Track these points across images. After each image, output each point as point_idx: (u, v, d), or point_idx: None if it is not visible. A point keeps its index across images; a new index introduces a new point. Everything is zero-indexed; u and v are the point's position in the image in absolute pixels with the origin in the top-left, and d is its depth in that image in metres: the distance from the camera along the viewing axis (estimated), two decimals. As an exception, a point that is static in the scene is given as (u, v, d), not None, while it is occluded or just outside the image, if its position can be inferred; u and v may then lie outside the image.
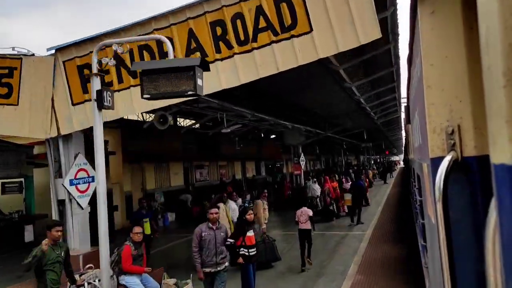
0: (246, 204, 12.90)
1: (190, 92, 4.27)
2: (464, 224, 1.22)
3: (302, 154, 21.93)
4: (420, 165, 2.53)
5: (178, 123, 23.09)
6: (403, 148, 33.03)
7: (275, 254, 10.23)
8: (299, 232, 10.06)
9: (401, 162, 65.13)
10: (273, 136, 29.42)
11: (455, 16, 1.27)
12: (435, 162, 1.30)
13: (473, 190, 1.21)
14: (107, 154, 15.69)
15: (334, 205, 17.20)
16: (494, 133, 0.72)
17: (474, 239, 1.20)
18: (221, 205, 10.93)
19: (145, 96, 4.39)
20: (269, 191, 21.82)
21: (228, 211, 11.55)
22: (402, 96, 18.59)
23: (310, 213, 9.93)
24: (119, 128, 17.56)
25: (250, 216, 7.61)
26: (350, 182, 20.31)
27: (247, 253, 7.31)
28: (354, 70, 12.89)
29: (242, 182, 25.42)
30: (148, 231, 10.53)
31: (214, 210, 6.94)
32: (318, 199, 17.52)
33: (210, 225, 6.72)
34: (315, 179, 19.36)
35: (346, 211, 17.45)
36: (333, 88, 14.19)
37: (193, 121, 23.79)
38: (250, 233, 7.50)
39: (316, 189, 17.79)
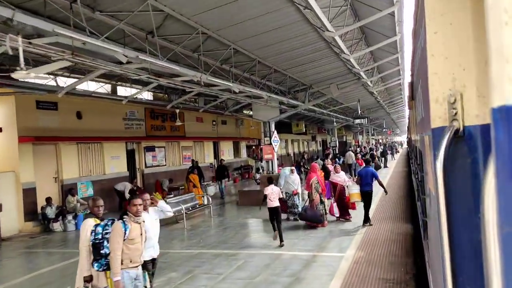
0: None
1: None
2: (464, 194, 1.20)
3: (275, 132, 16.91)
4: (422, 138, 2.55)
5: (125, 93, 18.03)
6: (406, 128, 29.60)
7: None
8: (268, 210, 9.94)
9: (405, 142, 60.37)
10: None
11: None
12: (437, 132, 1.30)
13: (474, 159, 1.17)
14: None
15: (324, 207, 11.62)
16: (494, 76, 0.71)
17: (474, 209, 1.17)
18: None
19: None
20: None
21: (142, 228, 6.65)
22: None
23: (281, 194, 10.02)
24: (14, 95, 12.62)
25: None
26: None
27: None
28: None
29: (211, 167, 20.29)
30: None
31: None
32: (296, 197, 12.64)
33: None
34: (292, 168, 14.10)
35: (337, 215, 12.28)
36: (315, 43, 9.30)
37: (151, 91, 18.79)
38: None
39: (294, 181, 12.84)
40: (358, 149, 31.15)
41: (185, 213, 12.75)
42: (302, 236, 10.52)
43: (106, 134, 16.84)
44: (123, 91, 18.18)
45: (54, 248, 11.18)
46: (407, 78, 17.63)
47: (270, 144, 16.82)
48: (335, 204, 12.06)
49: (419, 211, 5.30)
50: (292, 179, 12.80)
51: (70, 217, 13.63)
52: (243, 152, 31.38)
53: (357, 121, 21.57)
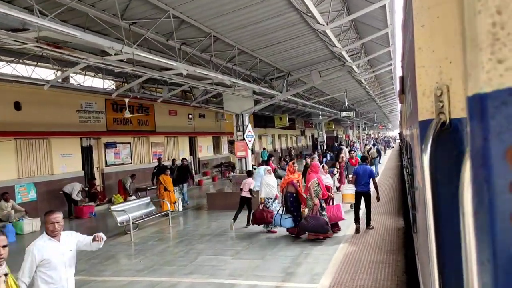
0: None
1: None
2: (450, 186, 1.19)
3: (249, 125, 14.76)
4: (411, 132, 2.55)
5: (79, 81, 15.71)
6: (398, 122, 27.73)
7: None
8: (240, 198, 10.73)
9: (397, 137, 58.80)
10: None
11: None
12: (424, 125, 1.31)
13: (460, 152, 1.17)
14: None
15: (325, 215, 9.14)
16: (469, 64, 0.72)
17: (458, 201, 1.09)
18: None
19: None
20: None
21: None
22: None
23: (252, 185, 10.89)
24: None
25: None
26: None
27: None
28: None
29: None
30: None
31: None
32: (276, 202, 10.47)
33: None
34: (268, 168, 11.90)
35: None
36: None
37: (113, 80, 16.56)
38: None
39: (274, 183, 10.70)
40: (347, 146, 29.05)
41: (133, 223, 10.58)
42: (269, 255, 8.42)
43: (55, 128, 14.61)
44: (77, 79, 15.87)
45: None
46: (398, 69, 15.75)
47: (244, 139, 14.67)
48: (338, 205, 9.95)
49: (409, 205, 5.09)
50: (273, 181, 10.68)
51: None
52: (224, 148, 29.22)
53: (344, 113, 19.42)
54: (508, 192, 0.59)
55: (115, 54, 7.70)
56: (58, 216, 4.11)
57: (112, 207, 10.82)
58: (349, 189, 10.60)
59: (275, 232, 10.14)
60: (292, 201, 9.66)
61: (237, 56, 10.88)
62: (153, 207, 12.25)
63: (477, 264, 0.75)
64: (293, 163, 10.20)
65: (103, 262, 8.55)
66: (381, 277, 6.72)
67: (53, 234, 4.06)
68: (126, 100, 13.63)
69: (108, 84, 17.69)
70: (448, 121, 1.16)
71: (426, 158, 1.11)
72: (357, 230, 9.71)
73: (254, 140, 33.12)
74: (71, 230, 4.84)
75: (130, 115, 15.11)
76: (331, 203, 10.11)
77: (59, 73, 11.32)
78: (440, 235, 1.16)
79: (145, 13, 7.75)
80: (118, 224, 10.58)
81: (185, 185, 14.61)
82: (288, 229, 9.71)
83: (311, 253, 8.35)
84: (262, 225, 10.37)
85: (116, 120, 17.87)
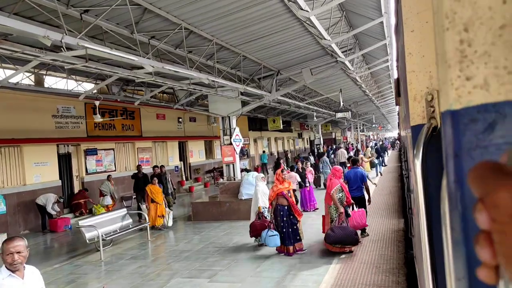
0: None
1: None
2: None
3: (236, 129, 13.70)
4: (406, 135, 2.62)
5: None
6: (397, 123, 26.87)
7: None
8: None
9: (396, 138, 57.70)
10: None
11: None
12: (415, 130, 1.33)
13: None
14: None
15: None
16: (440, 80, 0.73)
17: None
18: None
19: None
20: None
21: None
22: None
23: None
24: None
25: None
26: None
27: None
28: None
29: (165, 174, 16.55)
30: None
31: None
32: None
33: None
34: (262, 175, 10.58)
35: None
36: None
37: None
38: None
39: (266, 192, 9.43)
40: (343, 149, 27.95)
41: (103, 239, 9.50)
42: (251, 276, 7.35)
43: (27, 135, 13.54)
44: (53, 82, 14.81)
45: None
46: (395, 67, 14.82)
47: (231, 143, 13.61)
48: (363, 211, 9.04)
49: (407, 208, 5.12)
50: (266, 189, 9.63)
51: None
52: (217, 153, 28.13)
53: (340, 114, 18.35)
54: (472, 213, 0.51)
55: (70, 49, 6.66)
56: (19, 245, 3.21)
57: (80, 222, 9.73)
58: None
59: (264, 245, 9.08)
60: (283, 215, 8.48)
61: (215, 52, 9.79)
62: (130, 220, 11.17)
63: (454, 279, 0.76)
64: (282, 171, 9.03)
65: (62, 288, 7.48)
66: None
67: (12, 267, 3.18)
68: (97, 102, 12.59)
69: (89, 87, 16.63)
70: (439, 126, 1.15)
71: (418, 163, 1.11)
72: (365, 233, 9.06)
73: (249, 144, 32.31)
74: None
75: (101, 119, 14.01)
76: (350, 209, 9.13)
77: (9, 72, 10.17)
78: (434, 240, 1.16)
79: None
80: (87, 241, 9.51)
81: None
82: (277, 248, 8.60)
83: (298, 274, 7.29)
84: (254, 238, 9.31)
85: (97, 125, 16.80)
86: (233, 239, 10.23)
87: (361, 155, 18.61)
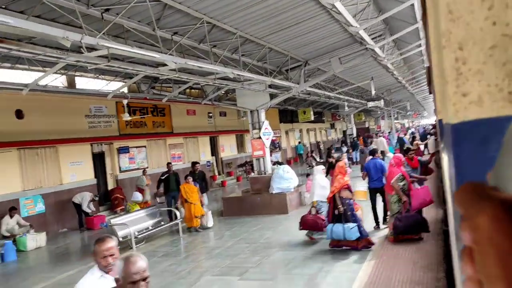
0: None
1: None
2: None
3: (265, 122, 13.52)
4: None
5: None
6: (433, 110, 25.59)
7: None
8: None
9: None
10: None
11: None
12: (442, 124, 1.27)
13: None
14: None
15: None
16: (439, 95, 0.76)
17: None
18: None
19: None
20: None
21: None
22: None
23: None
24: None
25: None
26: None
27: None
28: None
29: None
30: None
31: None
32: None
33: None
34: (322, 167, 10.11)
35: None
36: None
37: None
38: None
39: (324, 184, 9.02)
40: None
41: (135, 237, 9.59)
42: (282, 274, 7.19)
43: (62, 136, 13.89)
44: (84, 83, 15.08)
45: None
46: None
47: (260, 137, 13.45)
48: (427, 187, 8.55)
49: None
50: (326, 181, 9.23)
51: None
52: (249, 146, 28.06)
53: (371, 103, 17.82)
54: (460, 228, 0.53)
55: (94, 50, 6.68)
56: (112, 247, 3.10)
57: (112, 221, 9.86)
58: (361, 186, 9.67)
59: (314, 239, 8.84)
60: (352, 208, 7.92)
61: (239, 45, 9.56)
62: (161, 217, 11.23)
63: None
64: (344, 163, 8.58)
65: None
66: None
67: (105, 269, 3.08)
68: (125, 101, 12.72)
69: (118, 86, 16.86)
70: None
71: (446, 156, 1.10)
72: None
73: (280, 136, 32.01)
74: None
75: (130, 118, 14.14)
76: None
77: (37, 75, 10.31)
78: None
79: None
80: (120, 239, 9.62)
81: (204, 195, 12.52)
82: (331, 242, 8.21)
83: (332, 271, 7.07)
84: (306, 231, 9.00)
85: (129, 123, 17.04)
86: (264, 234, 10.09)
87: (416, 141, 17.81)
